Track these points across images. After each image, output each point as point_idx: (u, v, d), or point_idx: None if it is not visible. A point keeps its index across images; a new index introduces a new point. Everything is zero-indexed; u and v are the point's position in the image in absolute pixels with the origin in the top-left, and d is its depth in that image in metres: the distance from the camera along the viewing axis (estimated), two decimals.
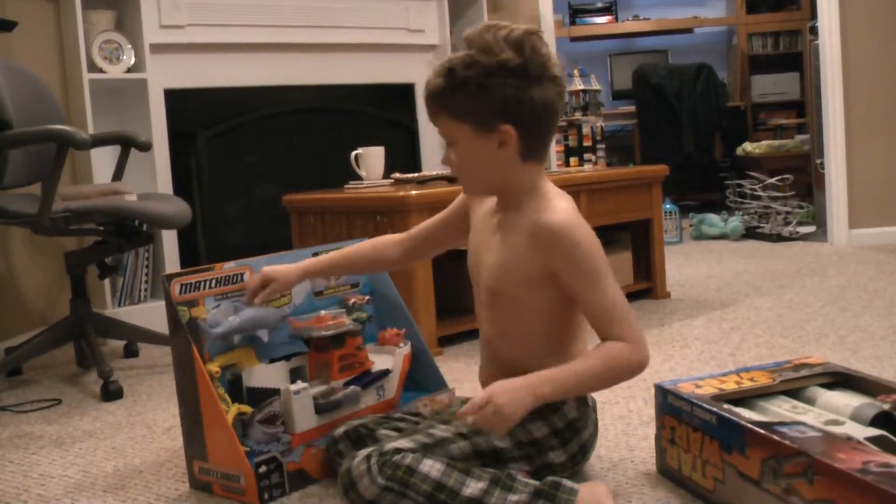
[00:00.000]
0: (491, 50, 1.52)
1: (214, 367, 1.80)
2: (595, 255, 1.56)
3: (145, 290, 3.60)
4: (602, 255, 1.57)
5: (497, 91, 1.52)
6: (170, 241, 3.64)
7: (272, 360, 1.94)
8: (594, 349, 1.55)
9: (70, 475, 2.01)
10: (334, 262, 1.93)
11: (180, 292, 1.83)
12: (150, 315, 3.39)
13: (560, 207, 1.59)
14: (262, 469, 1.75)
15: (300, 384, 1.87)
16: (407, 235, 1.92)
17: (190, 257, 3.68)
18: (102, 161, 3.50)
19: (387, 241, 1.93)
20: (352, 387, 1.94)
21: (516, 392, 1.49)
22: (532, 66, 1.53)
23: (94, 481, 1.96)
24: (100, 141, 3.10)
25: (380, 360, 2.04)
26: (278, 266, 1.87)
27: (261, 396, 1.85)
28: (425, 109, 1.63)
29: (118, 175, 3.17)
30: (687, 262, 4.58)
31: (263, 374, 1.89)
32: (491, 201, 1.72)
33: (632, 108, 7.22)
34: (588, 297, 1.54)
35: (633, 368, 1.53)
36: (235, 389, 1.87)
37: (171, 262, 3.63)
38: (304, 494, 1.79)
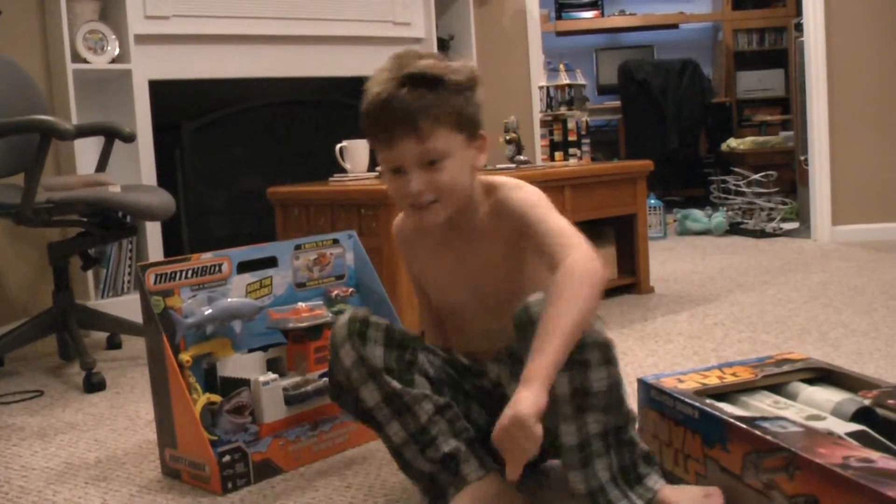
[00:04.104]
0: (447, 66, 1.55)
1: (186, 357, 1.82)
2: (540, 195, 1.59)
3: (128, 281, 3.59)
4: (546, 198, 1.59)
5: (474, 99, 1.57)
6: (154, 232, 3.63)
7: (250, 351, 1.95)
8: (553, 292, 1.41)
9: (52, 466, 2.01)
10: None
11: (155, 282, 1.84)
12: (134, 307, 3.35)
13: (497, 181, 1.63)
14: (227, 458, 1.77)
15: (269, 375, 1.89)
16: (431, 319, 1.82)
17: (174, 249, 3.67)
18: (86, 152, 3.47)
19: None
20: (325, 379, 1.94)
21: (526, 399, 1.33)
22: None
23: (75, 472, 1.96)
24: (83, 132, 3.08)
25: None
26: None
27: (233, 386, 1.87)
28: (394, 130, 1.51)
29: (102, 166, 3.16)
30: (671, 258, 4.60)
31: (238, 364, 1.91)
32: (421, 231, 1.69)
33: (617, 104, 7.24)
34: (539, 228, 1.52)
35: (597, 275, 1.43)
36: (211, 379, 1.88)
37: (155, 254, 3.62)
38: (268, 484, 1.81)
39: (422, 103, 1.49)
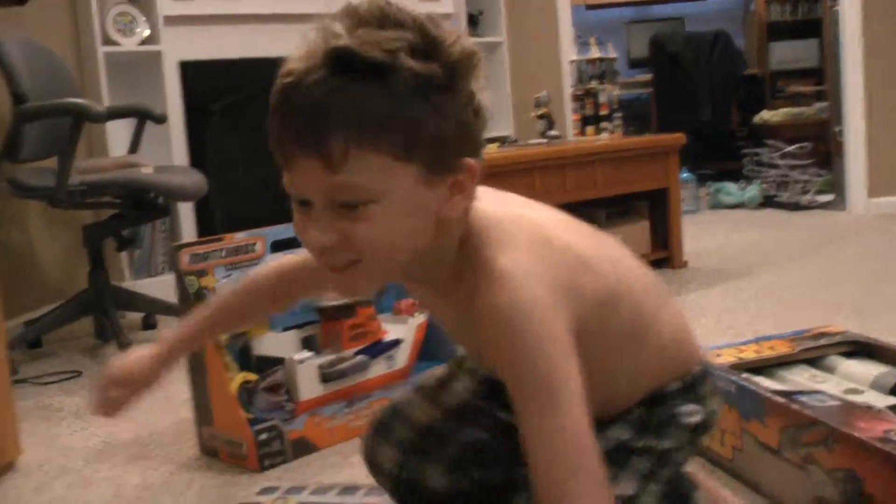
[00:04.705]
0: (422, 37, 0.92)
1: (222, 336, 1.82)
2: (547, 355, 0.92)
3: (163, 262, 3.61)
4: (560, 356, 0.93)
5: (460, 101, 0.94)
6: (186, 213, 3.64)
7: (285, 329, 1.96)
8: None
9: (91, 446, 2.03)
10: (208, 326, 1.36)
11: (190, 262, 1.84)
12: (168, 287, 3.39)
13: (501, 268, 0.95)
14: (263, 436, 1.78)
15: (304, 353, 1.91)
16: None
17: (206, 229, 3.68)
18: (118, 134, 3.49)
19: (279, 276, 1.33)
20: (360, 356, 1.95)
21: None
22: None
23: (114, 451, 1.98)
24: (115, 114, 3.10)
25: (393, 330, 2.05)
26: (130, 360, 1.33)
27: (268, 364, 1.88)
28: (288, 144, 0.93)
29: (134, 148, 3.18)
30: (704, 232, 4.56)
31: (273, 343, 1.92)
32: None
33: (648, 77, 7.17)
34: (528, 425, 0.92)
35: None
36: (246, 357, 1.89)
37: (188, 235, 3.63)
38: (304, 462, 1.82)
39: (340, 103, 0.88)
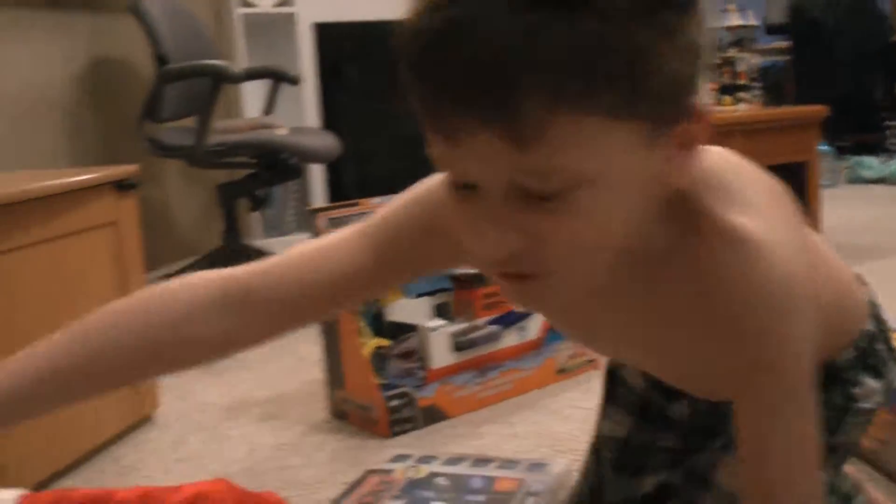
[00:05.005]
0: None
1: None
2: (807, 344, 0.76)
3: (292, 222, 3.67)
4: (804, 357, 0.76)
5: (689, 29, 0.67)
6: (317, 174, 3.69)
7: (418, 296, 1.96)
8: None
9: (224, 403, 2.07)
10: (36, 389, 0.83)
11: (326, 226, 1.85)
12: None
13: (749, 233, 0.72)
14: (394, 403, 1.79)
15: (437, 321, 1.90)
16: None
17: (336, 191, 3.72)
18: (252, 96, 3.55)
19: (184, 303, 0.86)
20: (492, 326, 1.94)
21: None
22: None
23: (247, 410, 2.02)
24: (251, 75, 3.14)
25: None
26: None
27: (400, 331, 1.89)
28: (459, 111, 0.64)
29: (268, 109, 3.22)
30: (841, 207, 4.39)
31: (406, 309, 1.92)
32: None
33: (785, 44, 6.93)
34: (774, 422, 0.76)
35: None
36: (379, 323, 1.90)
37: (318, 196, 3.68)
38: (434, 430, 1.82)
39: (534, 49, 0.61)
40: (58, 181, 1.72)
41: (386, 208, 0.90)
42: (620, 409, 1.12)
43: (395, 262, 0.87)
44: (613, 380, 1.14)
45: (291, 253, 0.90)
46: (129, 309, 0.86)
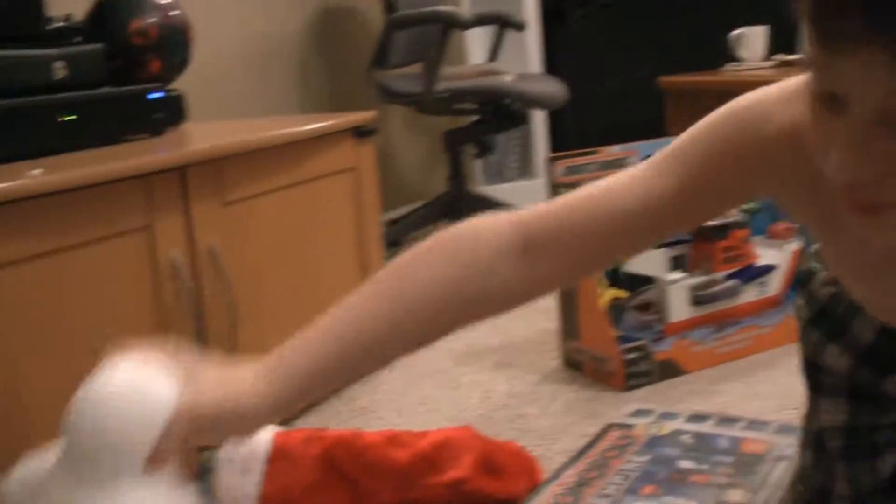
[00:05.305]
0: None
1: None
2: None
3: (515, 169, 3.66)
4: None
5: None
6: (539, 121, 3.66)
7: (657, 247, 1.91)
8: None
9: (455, 348, 2.09)
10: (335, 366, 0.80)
11: (564, 174, 1.82)
12: (518, 194, 3.44)
13: None
14: (631, 356, 1.75)
15: (677, 274, 1.84)
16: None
17: (557, 138, 3.68)
18: (475, 42, 3.54)
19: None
20: (732, 280, 1.87)
21: None
22: None
23: (479, 356, 2.03)
24: (479, 21, 3.13)
25: (766, 255, 1.95)
26: (227, 389, 0.77)
27: (637, 283, 1.85)
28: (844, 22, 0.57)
29: (493, 56, 3.20)
30: None
31: (643, 260, 1.87)
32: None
33: None
34: None
35: None
36: (614, 274, 1.86)
37: (540, 144, 3.66)
38: (669, 385, 1.77)
39: None
40: (302, 128, 1.76)
41: (690, 131, 0.85)
42: (831, 397, 1.02)
43: (702, 189, 0.82)
44: (814, 371, 1.04)
45: (579, 194, 0.87)
46: (439, 260, 0.84)
